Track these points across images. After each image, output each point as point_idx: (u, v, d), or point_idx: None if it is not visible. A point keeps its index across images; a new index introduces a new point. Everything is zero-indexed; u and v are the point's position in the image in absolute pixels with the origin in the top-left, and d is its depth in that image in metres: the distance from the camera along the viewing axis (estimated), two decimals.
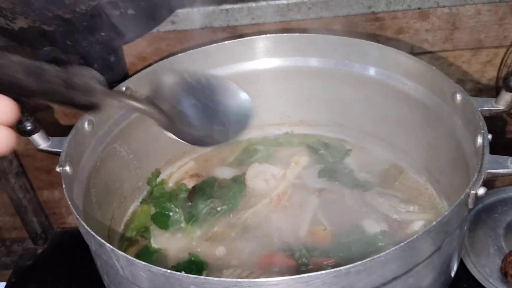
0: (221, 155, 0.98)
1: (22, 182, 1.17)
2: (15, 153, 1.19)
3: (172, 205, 0.86)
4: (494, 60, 1.13)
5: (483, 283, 0.88)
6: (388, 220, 0.81)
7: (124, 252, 0.79)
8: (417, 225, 0.79)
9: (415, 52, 1.08)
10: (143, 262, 0.52)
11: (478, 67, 1.15)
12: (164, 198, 0.88)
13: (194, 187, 0.89)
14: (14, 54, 0.46)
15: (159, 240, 0.83)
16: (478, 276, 0.89)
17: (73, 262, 1.07)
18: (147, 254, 0.80)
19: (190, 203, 0.86)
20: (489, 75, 1.15)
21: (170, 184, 0.93)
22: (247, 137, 0.99)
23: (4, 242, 1.31)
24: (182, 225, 0.83)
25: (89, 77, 0.52)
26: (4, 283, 1.12)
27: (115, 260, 0.55)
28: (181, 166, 0.96)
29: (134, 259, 0.53)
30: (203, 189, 0.87)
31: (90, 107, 0.51)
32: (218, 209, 0.84)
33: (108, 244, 0.55)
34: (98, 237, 0.56)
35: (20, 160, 1.19)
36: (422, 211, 0.82)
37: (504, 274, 0.89)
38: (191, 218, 0.84)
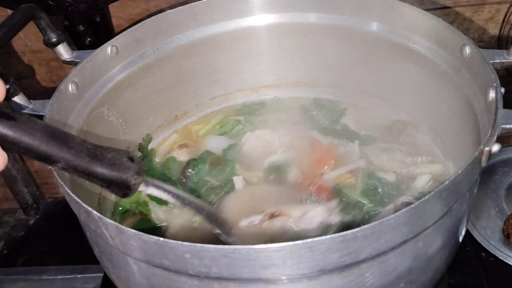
0: (209, 123, 0.93)
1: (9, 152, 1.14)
2: None
3: (169, 182, 0.81)
4: (496, 17, 1.09)
5: (484, 245, 0.87)
6: (395, 175, 0.78)
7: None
8: (425, 179, 0.76)
9: None
10: (133, 230, 0.49)
11: (480, 24, 1.11)
12: (156, 174, 0.83)
13: (188, 163, 0.84)
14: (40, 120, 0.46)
15: (159, 216, 0.79)
16: (479, 238, 0.88)
17: (65, 233, 1.04)
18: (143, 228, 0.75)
19: (184, 180, 0.81)
20: (491, 32, 1.11)
21: (157, 158, 0.88)
22: (239, 102, 0.95)
23: None
24: None
25: (123, 155, 0.51)
26: None
27: (104, 229, 0.51)
28: (166, 139, 0.91)
29: (124, 227, 0.49)
30: (198, 166, 0.82)
31: (118, 185, 0.50)
32: (217, 184, 0.80)
33: (96, 212, 0.51)
34: (84, 205, 0.52)
35: None
36: (430, 162, 0.79)
37: (506, 235, 0.87)
38: (191, 193, 0.79)
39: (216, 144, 0.88)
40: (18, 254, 1.06)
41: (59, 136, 0.47)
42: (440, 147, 0.82)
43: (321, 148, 0.82)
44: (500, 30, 1.11)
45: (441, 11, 1.07)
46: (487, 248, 0.87)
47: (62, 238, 1.06)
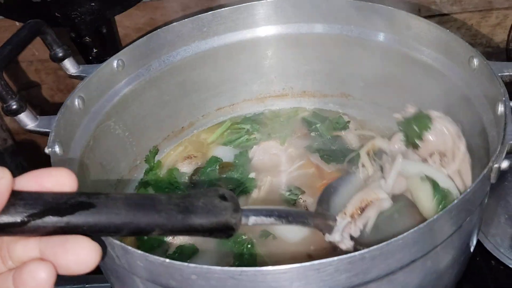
0: (215, 135, 0.93)
1: (18, 161, 1.14)
2: (9, 132, 1.15)
3: (177, 190, 0.81)
4: (504, 23, 1.09)
5: (494, 253, 0.86)
6: None
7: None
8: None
9: (423, 15, 1.03)
10: (139, 251, 0.48)
11: (487, 30, 1.10)
12: (163, 184, 0.83)
13: (196, 170, 0.84)
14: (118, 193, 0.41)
15: None
16: (488, 246, 0.87)
17: None
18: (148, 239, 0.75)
19: (193, 186, 0.81)
20: (499, 38, 1.11)
21: (164, 169, 0.88)
22: (245, 112, 0.95)
23: None
24: None
25: (214, 197, 0.46)
26: None
27: (110, 248, 0.51)
28: (172, 150, 0.91)
29: (129, 247, 0.49)
30: (206, 171, 0.82)
31: (220, 230, 0.46)
32: (229, 187, 0.79)
33: None
34: None
35: (14, 138, 1.16)
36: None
37: None
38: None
39: (223, 153, 0.88)
40: None
41: (143, 204, 0.42)
42: None
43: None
44: (508, 35, 1.10)
45: (448, 17, 1.06)
46: (497, 256, 0.86)
47: None
